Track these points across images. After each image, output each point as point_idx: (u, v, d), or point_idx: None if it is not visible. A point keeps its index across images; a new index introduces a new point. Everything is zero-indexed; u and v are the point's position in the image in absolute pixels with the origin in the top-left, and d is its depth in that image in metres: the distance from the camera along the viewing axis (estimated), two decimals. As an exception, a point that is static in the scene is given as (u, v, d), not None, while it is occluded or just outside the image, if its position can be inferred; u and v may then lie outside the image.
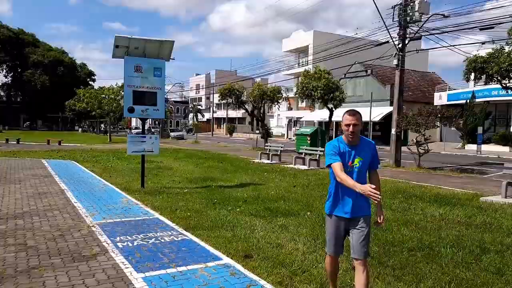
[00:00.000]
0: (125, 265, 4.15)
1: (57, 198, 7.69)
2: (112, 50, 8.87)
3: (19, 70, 71.12)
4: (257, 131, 44.35)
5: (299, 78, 20.76)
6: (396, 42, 15.84)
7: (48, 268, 4.00)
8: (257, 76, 63.92)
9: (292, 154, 17.90)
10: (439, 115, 13.68)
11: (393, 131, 15.48)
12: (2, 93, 77.21)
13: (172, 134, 46.38)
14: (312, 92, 18.68)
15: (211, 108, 70.50)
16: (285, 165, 14.81)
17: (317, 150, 15.23)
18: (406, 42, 15.75)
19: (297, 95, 21.88)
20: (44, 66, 66.77)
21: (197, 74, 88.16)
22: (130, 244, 4.87)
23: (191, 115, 73.31)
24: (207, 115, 74.66)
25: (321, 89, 18.29)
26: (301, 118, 44.41)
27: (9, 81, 75.58)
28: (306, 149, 16.19)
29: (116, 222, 5.98)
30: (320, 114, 36.66)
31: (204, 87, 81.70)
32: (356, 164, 3.01)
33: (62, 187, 9.05)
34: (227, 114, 66.00)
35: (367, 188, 2.73)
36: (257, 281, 3.75)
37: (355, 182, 2.84)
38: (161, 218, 6.25)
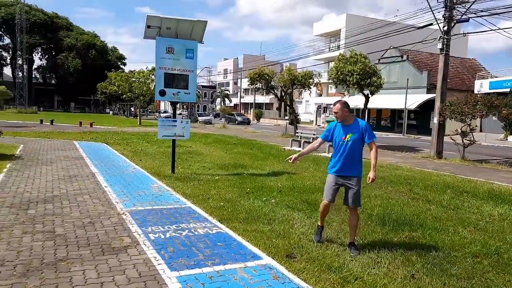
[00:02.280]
0: (157, 260, 3.81)
1: (87, 182, 7.52)
2: (143, 31, 8.54)
3: (53, 53, 73.17)
4: (286, 117, 43.60)
5: (333, 63, 19.84)
6: (441, 25, 14.72)
7: (76, 261, 3.71)
8: (285, 61, 62.67)
9: (324, 141, 17.22)
10: (488, 104, 12.62)
11: (435, 120, 14.50)
12: (38, 75, 79.82)
13: (200, 118, 46.46)
14: (347, 77, 17.77)
15: (239, 93, 70.09)
16: (318, 154, 14.21)
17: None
18: (452, 24, 14.61)
19: (330, 80, 20.99)
20: (76, 49, 68.27)
21: (225, 59, 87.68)
22: (162, 236, 4.54)
23: (218, 100, 73.16)
24: (234, 100, 74.37)
25: (357, 74, 17.36)
26: (331, 104, 43.28)
27: (44, 64, 77.95)
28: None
29: (147, 209, 5.68)
30: (353, 101, 35.47)
31: (232, 71, 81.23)
32: (348, 138, 4.12)
33: (92, 170, 8.91)
34: (254, 99, 65.38)
35: (290, 159, 4.50)
36: (305, 288, 3.31)
37: (297, 154, 4.61)
38: (194, 207, 5.91)
